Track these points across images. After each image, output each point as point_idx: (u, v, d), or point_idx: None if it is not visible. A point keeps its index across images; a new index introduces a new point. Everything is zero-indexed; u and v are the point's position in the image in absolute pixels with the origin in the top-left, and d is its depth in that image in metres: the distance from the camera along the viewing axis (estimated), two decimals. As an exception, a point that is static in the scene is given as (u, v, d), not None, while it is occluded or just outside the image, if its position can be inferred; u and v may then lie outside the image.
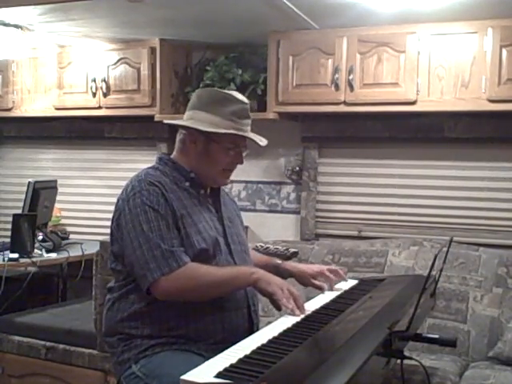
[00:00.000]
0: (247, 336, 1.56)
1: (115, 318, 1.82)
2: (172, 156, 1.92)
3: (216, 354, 1.39)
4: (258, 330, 1.81)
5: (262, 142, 1.90)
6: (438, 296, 2.66)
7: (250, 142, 1.89)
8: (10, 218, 3.27)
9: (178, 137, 1.91)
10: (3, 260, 3.10)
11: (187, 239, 1.76)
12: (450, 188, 3.27)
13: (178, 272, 1.70)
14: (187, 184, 1.85)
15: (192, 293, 1.74)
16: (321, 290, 2.03)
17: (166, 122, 1.96)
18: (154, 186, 1.77)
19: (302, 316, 1.70)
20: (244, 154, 1.90)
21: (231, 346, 1.45)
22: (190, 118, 1.86)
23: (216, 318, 1.78)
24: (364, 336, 1.48)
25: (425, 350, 2.62)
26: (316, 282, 2.05)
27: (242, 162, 1.90)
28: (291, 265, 2.14)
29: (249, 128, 1.87)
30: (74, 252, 3.49)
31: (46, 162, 4.32)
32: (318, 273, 2.08)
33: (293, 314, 1.69)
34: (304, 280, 2.07)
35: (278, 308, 1.76)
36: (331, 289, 2.08)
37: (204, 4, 2.76)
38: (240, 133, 1.83)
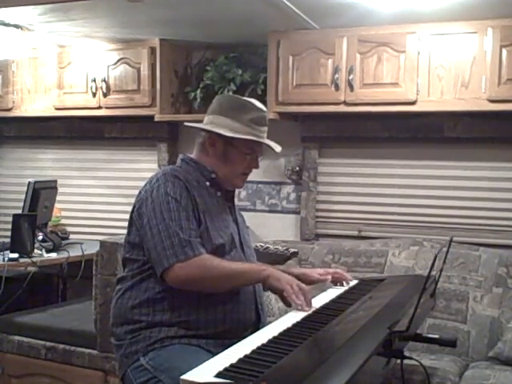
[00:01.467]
0: (254, 331, 1.61)
1: (126, 305, 1.85)
2: (193, 156, 1.99)
3: (224, 351, 1.41)
4: (263, 327, 1.82)
5: (277, 148, 2.00)
6: (438, 296, 2.66)
7: (265, 147, 1.97)
8: (10, 218, 3.27)
9: (197, 139, 1.99)
10: (3, 260, 3.09)
11: (206, 233, 1.82)
12: (449, 188, 3.27)
13: (193, 261, 1.75)
14: (208, 184, 1.93)
15: (203, 282, 1.77)
16: (326, 281, 2.08)
17: (187, 124, 2.03)
18: (179, 179, 1.84)
19: (307, 313, 1.73)
20: (259, 159, 1.99)
21: (238, 340, 1.49)
22: (210, 122, 1.94)
23: (226, 308, 1.83)
24: (364, 336, 1.48)
25: (425, 350, 2.63)
26: (321, 277, 2.08)
27: (257, 167, 1.99)
28: (295, 269, 2.22)
29: (265, 135, 1.96)
30: (74, 252, 3.48)
31: (45, 162, 4.32)
32: (324, 272, 2.12)
33: (302, 309, 1.74)
34: (308, 278, 2.09)
35: (288, 304, 1.81)
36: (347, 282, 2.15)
37: (204, 4, 2.76)
38: (258, 139, 1.91)
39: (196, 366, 1.30)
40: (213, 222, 1.85)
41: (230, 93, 3.36)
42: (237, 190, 3.64)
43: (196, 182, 1.89)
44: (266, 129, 1.96)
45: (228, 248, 1.87)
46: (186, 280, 1.75)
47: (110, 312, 1.93)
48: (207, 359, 1.35)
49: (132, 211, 1.90)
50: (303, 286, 1.81)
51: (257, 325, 1.88)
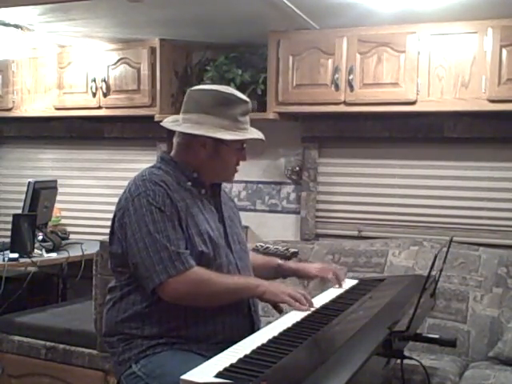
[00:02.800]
0: (248, 336, 1.57)
1: (116, 318, 1.82)
2: (172, 155, 1.91)
3: (217, 354, 1.39)
4: (258, 330, 1.81)
5: (259, 135, 1.92)
6: (438, 296, 2.66)
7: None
8: (10, 218, 3.27)
9: (178, 139, 1.90)
10: (3, 260, 3.10)
11: (189, 240, 1.75)
12: (450, 188, 3.27)
13: (185, 275, 1.70)
14: (189, 184, 1.85)
15: (196, 298, 1.73)
16: (326, 277, 2.07)
17: (169, 127, 1.91)
18: (159, 186, 1.76)
19: (307, 313, 1.73)
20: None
21: (232, 346, 1.46)
22: (196, 123, 1.84)
23: (217, 319, 1.79)
24: (364, 336, 1.48)
25: (425, 350, 2.62)
26: (320, 273, 2.08)
27: (245, 159, 1.93)
28: (293, 263, 2.19)
29: (249, 124, 1.90)
30: (74, 252, 3.48)
31: (46, 162, 4.32)
32: (320, 269, 2.11)
33: (306, 310, 1.75)
34: (306, 273, 2.10)
35: (279, 311, 1.81)
36: (339, 283, 2.12)
37: (204, 4, 2.76)
38: (252, 136, 1.87)
39: (188, 370, 1.28)
40: (196, 227, 1.78)
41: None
42: (237, 190, 3.62)
43: (176, 183, 1.81)
44: (248, 118, 1.89)
45: (213, 255, 1.79)
46: (179, 295, 1.71)
47: (102, 320, 1.91)
48: (200, 363, 1.34)
49: (113, 220, 1.82)
50: (299, 290, 1.82)
51: (251, 329, 1.84)
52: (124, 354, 1.78)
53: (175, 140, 1.91)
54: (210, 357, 1.39)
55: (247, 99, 1.89)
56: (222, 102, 1.84)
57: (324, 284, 2.13)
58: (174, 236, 1.71)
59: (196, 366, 1.31)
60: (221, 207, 1.95)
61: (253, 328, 1.86)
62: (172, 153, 1.91)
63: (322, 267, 2.13)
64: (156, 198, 1.73)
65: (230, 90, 1.90)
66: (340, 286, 2.12)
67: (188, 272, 1.70)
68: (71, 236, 4.04)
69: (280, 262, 2.13)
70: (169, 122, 1.93)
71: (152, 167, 1.88)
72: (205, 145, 1.84)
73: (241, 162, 1.92)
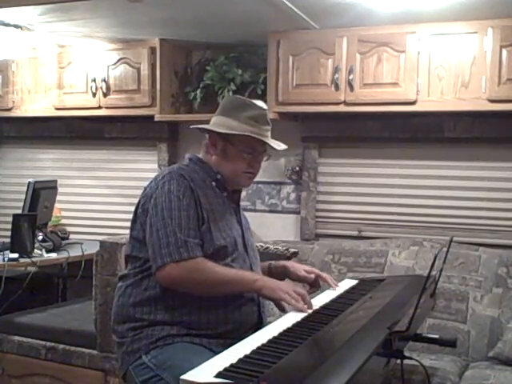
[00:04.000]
0: (255, 331, 1.60)
1: (127, 302, 1.85)
2: (201, 156, 2.00)
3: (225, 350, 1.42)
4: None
5: (280, 146, 1.97)
6: (438, 296, 2.66)
7: (271, 148, 1.96)
8: (10, 218, 3.27)
9: (203, 141, 2.00)
10: (3, 260, 3.10)
11: (209, 234, 1.81)
12: (450, 188, 3.27)
13: (187, 262, 1.74)
14: (214, 184, 1.93)
15: (192, 285, 1.77)
16: (310, 280, 2.07)
17: (192, 127, 2.02)
18: (184, 178, 1.84)
19: (307, 313, 1.73)
20: (265, 159, 1.99)
21: (239, 340, 1.49)
22: (212, 123, 1.96)
23: (228, 309, 1.82)
24: (364, 336, 1.49)
25: (425, 350, 2.63)
26: (308, 275, 2.08)
27: (258, 167, 1.98)
28: (283, 262, 2.20)
29: (268, 134, 1.95)
30: (74, 252, 3.48)
31: (45, 162, 4.32)
32: (310, 270, 2.11)
33: (304, 311, 1.75)
34: (297, 272, 2.09)
35: (282, 309, 1.81)
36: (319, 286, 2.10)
37: (204, 4, 2.76)
38: (253, 135, 1.89)
39: (198, 364, 1.30)
40: (216, 222, 1.85)
41: (230, 93, 3.36)
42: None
43: (202, 181, 1.89)
44: (268, 128, 1.94)
45: (230, 250, 1.86)
46: (175, 281, 1.75)
47: (112, 309, 1.93)
48: (209, 358, 1.36)
49: (137, 207, 1.91)
50: (300, 290, 1.82)
51: (259, 325, 1.87)
52: (133, 344, 1.80)
53: (202, 142, 2.02)
54: (220, 352, 1.42)
55: (264, 106, 1.97)
56: (236, 105, 1.94)
57: (324, 284, 2.12)
58: (186, 225, 1.77)
59: (206, 360, 1.34)
60: (239, 212, 2.02)
61: (260, 324, 1.89)
62: (200, 154, 2.01)
63: (310, 269, 2.11)
64: (177, 188, 1.81)
65: (255, 100, 1.99)
66: (334, 286, 2.11)
67: (190, 260, 1.75)
68: (71, 236, 4.04)
69: (271, 262, 2.17)
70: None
71: (180, 165, 1.98)
72: (215, 144, 1.94)
73: (255, 166, 1.97)
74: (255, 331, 1.62)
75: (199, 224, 1.81)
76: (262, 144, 1.93)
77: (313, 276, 2.08)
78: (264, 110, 1.95)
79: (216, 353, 1.49)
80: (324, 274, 2.12)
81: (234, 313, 1.83)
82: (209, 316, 1.80)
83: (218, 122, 1.94)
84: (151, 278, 1.81)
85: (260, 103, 1.97)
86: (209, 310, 1.80)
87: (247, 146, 1.91)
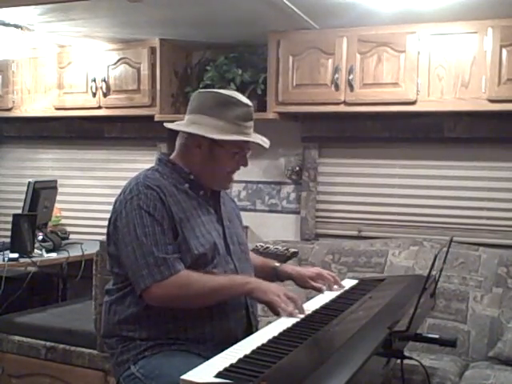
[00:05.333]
0: (246, 337, 1.56)
1: (112, 320, 1.82)
2: (172, 157, 1.90)
3: (215, 355, 1.39)
4: (257, 331, 1.80)
5: (266, 143, 1.89)
6: (438, 296, 2.66)
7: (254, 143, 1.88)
8: (10, 218, 3.27)
9: (179, 140, 1.89)
10: (3, 260, 3.10)
11: (185, 244, 1.75)
12: (449, 188, 3.27)
13: (171, 280, 1.69)
14: (186, 186, 1.84)
15: (183, 301, 1.73)
16: (320, 291, 2.04)
17: (169, 126, 1.90)
18: (152, 189, 1.75)
19: (302, 316, 1.71)
20: (248, 155, 1.89)
21: (229, 347, 1.45)
22: (192, 123, 1.82)
23: (214, 321, 1.78)
24: (364, 336, 1.48)
25: (425, 350, 2.62)
26: (315, 284, 2.05)
27: (246, 165, 1.89)
28: (289, 267, 2.13)
29: (252, 130, 1.86)
30: (74, 252, 3.48)
31: (46, 162, 4.32)
32: (316, 274, 2.08)
33: (294, 316, 1.70)
34: (303, 282, 2.07)
35: (276, 313, 1.76)
36: (330, 289, 2.08)
37: (204, 4, 2.76)
38: (246, 138, 1.82)
39: (186, 371, 1.28)
40: (192, 230, 1.77)
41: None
42: (237, 190, 3.62)
43: (173, 186, 1.80)
44: (252, 123, 1.85)
45: (210, 257, 1.79)
46: (164, 300, 1.71)
47: (101, 322, 1.91)
48: (198, 363, 1.33)
49: (109, 223, 1.84)
50: (291, 294, 1.77)
51: (249, 330, 1.83)
52: (122, 355, 1.78)
53: (177, 141, 1.91)
54: (208, 357, 1.39)
55: (249, 103, 1.85)
56: (221, 103, 1.81)
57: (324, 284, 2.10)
58: (161, 241, 1.71)
59: (194, 366, 1.31)
60: (220, 208, 1.93)
61: (251, 330, 1.85)
62: (172, 154, 1.91)
63: (317, 273, 2.08)
64: (147, 202, 1.73)
65: (235, 93, 1.87)
66: (329, 290, 2.08)
67: (173, 277, 1.69)
68: (71, 236, 4.04)
69: (276, 264, 2.12)
70: (173, 123, 1.91)
71: (148, 170, 1.87)
72: (200, 146, 1.82)
73: (244, 165, 1.91)
74: (246, 336, 1.58)
75: (174, 236, 1.74)
76: (248, 142, 1.84)
77: (319, 285, 2.04)
78: (250, 106, 1.84)
79: (205, 358, 1.45)
80: (325, 274, 2.10)
81: (221, 323, 1.78)
82: (195, 332, 1.76)
83: (201, 123, 1.80)
84: (134, 294, 1.76)
85: (243, 98, 1.85)
86: (195, 323, 1.76)
87: (236, 147, 1.82)
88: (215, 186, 1.90)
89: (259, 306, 1.96)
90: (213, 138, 1.78)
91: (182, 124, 1.87)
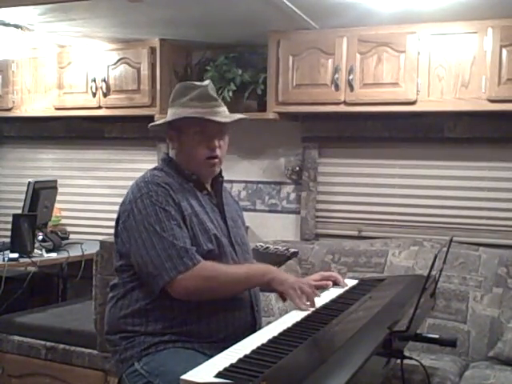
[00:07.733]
0: (250, 334, 1.58)
1: (118, 314, 1.83)
2: (171, 155, 1.95)
3: (219, 353, 1.40)
4: (260, 328, 1.81)
5: (230, 117, 1.88)
6: (438, 296, 2.66)
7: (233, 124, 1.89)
8: (10, 218, 3.27)
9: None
10: (3, 260, 3.10)
11: (195, 239, 1.78)
12: (450, 188, 3.27)
13: (194, 270, 1.72)
14: (191, 185, 1.88)
15: (208, 291, 1.75)
16: (327, 286, 2.04)
17: (149, 125, 2.01)
18: (161, 186, 1.79)
19: (307, 313, 1.73)
20: (224, 140, 1.89)
21: (234, 343, 1.47)
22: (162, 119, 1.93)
23: (219, 317, 1.80)
24: (364, 336, 1.48)
25: (425, 350, 2.63)
26: (320, 283, 2.04)
27: (215, 147, 1.85)
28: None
29: (219, 109, 1.85)
30: (74, 252, 3.49)
31: (46, 162, 4.32)
32: (320, 277, 2.07)
33: (305, 310, 1.74)
34: None
35: (284, 299, 1.83)
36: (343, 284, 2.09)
37: (204, 4, 2.76)
38: (194, 115, 1.81)
39: (190, 369, 1.28)
40: (201, 225, 1.80)
41: (230, 93, 3.34)
42: (237, 190, 3.61)
43: (179, 184, 1.84)
44: (216, 103, 1.85)
45: (218, 253, 1.82)
46: (190, 291, 1.72)
47: (104, 319, 1.92)
48: (202, 361, 1.34)
49: (117, 223, 1.84)
50: (306, 289, 1.80)
51: (253, 327, 1.86)
52: (126, 352, 1.79)
53: None
54: (213, 355, 1.40)
55: (204, 83, 1.88)
56: (178, 92, 1.89)
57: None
58: (179, 234, 1.74)
59: (199, 364, 1.31)
60: (223, 207, 1.96)
61: (255, 327, 1.87)
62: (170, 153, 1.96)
63: (321, 278, 2.07)
64: (159, 199, 1.76)
65: (199, 82, 1.92)
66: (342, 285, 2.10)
67: (196, 267, 1.72)
68: (71, 236, 4.04)
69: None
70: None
71: (154, 169, 1.91)
72: (171, 138, 1.91)
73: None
74: (250, 333, 1.60)
75: (188, 231, 1.77)
76: (214, 123, 1.82)
77: (329, 283, 2.04)
78: (204, 86, 1.85)
79: (208, 356, 1.47)
80: (327, 274, 2.11)
81: (226, 319, 1.81)
82: (200, 326, 1.77)
83: (168, 115, 1.89)
84: (142, 288, 1.78)
85: (204, 82, 1.88)
86: (200, 320, 1.77)
87: (197, 128, 1.83)
88: (202, 173, 1.91)
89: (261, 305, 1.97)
90: (173, 126, 1.86)
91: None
